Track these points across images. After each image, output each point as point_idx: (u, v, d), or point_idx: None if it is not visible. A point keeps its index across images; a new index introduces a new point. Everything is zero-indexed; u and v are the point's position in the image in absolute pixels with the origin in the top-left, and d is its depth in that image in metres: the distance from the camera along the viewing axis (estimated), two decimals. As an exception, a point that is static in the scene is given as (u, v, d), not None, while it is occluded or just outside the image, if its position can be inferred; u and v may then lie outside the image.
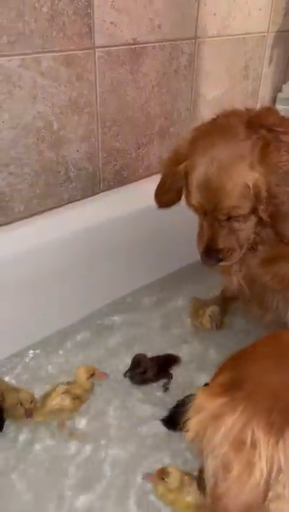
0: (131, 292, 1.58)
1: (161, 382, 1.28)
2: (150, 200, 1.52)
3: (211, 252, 1.07)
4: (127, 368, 1.29)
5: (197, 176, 1.01)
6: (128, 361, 1.31)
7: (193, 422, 0.57)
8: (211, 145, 1.00)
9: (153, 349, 1.37)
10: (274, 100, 1.93)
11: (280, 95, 1.90)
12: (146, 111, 1.51)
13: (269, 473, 0.50)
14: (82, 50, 1.27)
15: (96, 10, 1.25)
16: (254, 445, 0.51)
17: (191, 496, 0.94)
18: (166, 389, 1.27)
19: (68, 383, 1.20)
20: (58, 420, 1.14)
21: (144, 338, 1.42)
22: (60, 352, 1.37)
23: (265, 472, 0.50)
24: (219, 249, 1.06)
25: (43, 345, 1.37)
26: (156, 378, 1.28)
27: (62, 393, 1.14)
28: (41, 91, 1.23)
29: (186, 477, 0.97)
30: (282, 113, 1.83)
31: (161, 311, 1.54)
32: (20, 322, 1.32)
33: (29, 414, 1.11)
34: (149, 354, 1.34)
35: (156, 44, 1.43)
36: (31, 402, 1.13)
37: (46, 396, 1.16)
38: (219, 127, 1.02)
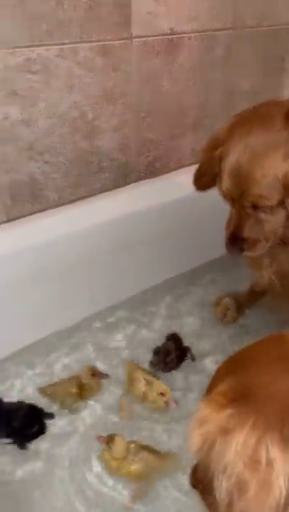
0: (160, 283, 1.58)
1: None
2: (181, 192, 1.53)
3: (236, 241, 1.07)
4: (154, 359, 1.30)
5: (229, 162, 1.01)
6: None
7: (198, 434, 0.55)
8: (246, 132, 0.99)
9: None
10: (311, 93, 1.89)
11: None
12: (180, 102, 1.50)
13: (288, 490, 0.49)
14: (119, 40, 1.27)
15: (134, 0, 1.25)
16: (270, 464, 0.49)
17: (135, 465, 0.97)
18: (193, 358, 1.30)
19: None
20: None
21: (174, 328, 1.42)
22: (87, 338, 1.39)
23: (284, 490, 0.48)
24: (243, 239, 1.06)
25: (70, 331, 1.40)
26: (179, 361, 1.29)
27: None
28: (77, 81, 1.25)
29: (132, 446, 0.99)
30: None
31: (188, 303, 1.54)
32: (49, 309, 1.35)
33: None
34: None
35: (193, 34, 1.42)
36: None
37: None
38: (257, 115, 1.02)
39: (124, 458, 0.97)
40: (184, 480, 0.96)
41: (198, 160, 1.62)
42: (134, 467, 0.97)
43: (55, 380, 1.25)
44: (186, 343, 1.34)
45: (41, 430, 1.09)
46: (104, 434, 1.03)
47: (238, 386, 0.56)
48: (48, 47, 1.17)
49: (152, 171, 1.55)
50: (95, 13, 1.19)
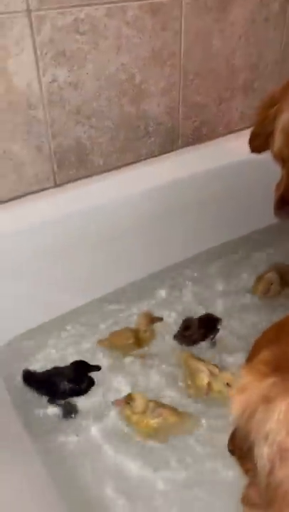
0: (206, 250, 1.57)
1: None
2: (229, 158, 1.49)
3: (284, 203, 1.04)
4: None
5: (282, 121, 0.98)
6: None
7: (240, 400, 0.54)
8: None
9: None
10: None
11: None
12: (230, 63, 1.44)
13: None
14: (169, -4, 1.22)
15: None
16: None
17: (153, 419, 1.03)
18: (213, 344, 1.28)
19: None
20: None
21: (208, 300, 1.42)
22: (135, 303, 1.41)
23: None
24: None
25: (117, 295, 1.42)
26: (204, 337, 1.28)
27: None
28: (125, 41, 1.22)
29: (151, 403, 1.05)
30: None
31: (234, 273, 1.52)
32: (97, 272, 1.38)
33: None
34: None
35: (247, -11, 1.35)
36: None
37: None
38: None
39: (143, 412, 1.03)
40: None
41: (248, 124, 1.57)
42: (153, 421, 1.04)
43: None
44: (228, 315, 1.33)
45: (91, 383, 1.14)
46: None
47: (281, 355, 0.55)
48: (97, 6, 1.14)
49: (199, 136, 1.51)
50: None
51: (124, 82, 1.27)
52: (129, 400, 1.04)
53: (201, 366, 1.14)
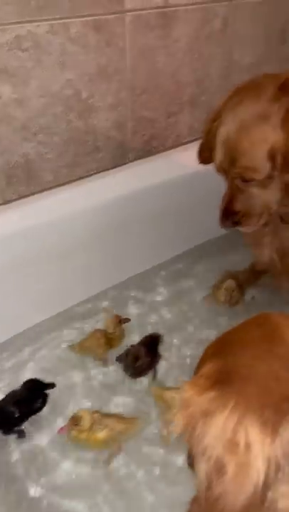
0: (158, 264, 1.58)
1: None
2: (179, 171, 1.51)
3: (228, 214, 1.07)
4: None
5: (220, 134, 1.00)
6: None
7: (182, 416, 0.54)
8: (238, 103, 0.98)
9: (164, 324, 1.39)
10: (313, 66, 1.84)
11: None
12: (177, 78, 1.47)
13: (266, 474, 0.48)
14: (112, 14, 1.24)
15: (126, -29, 1.21)
16: (248, 447, 0.49)
17: (102, 431, 1.02)
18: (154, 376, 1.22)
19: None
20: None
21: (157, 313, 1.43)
22: (86, 320, 1.40)
23: (261, 473, 0.48)
24: (235, 212, 1.06)
25: (68, 313, 1.40)
26: (150, 366, 1.22)
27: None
28: (70, 57, 1.22)
29: (96, 415, 1.04)
30: None
31: (184, 284, 1.54)
32: (46, 291, 1.35)
33: None
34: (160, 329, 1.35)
35: (189, 7, 1.38)
36: None
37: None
38: (251, 86, 1.00)
39: (90, 428, 1.02)
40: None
41: (197, 137, 1.60)
42: (101, 434, 1.03)
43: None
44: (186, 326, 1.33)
45: (44, 401, 1.12)
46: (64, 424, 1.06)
47: (222, 368, 0.55)
48: (38, 23, 1.14)
49: (149, 149, 1.53)
50: (85, -14, 1.16)
51: (71, 98, 1.27)
52: (75, 421, 1.02)
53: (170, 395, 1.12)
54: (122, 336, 1.30)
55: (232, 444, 0.49)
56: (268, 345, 0.55)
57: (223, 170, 1.04)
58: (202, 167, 1.45)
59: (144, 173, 1.47)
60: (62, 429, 1.05)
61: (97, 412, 1.07)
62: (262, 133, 0.93)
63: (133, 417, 1.10)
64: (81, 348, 1.28)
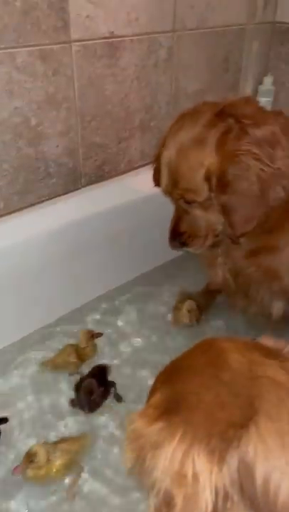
0: (115, 288, 1.58)
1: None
2: (132, 195, 1.53)
3: (175, 235, 1.10)
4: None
5: (163, 157, 1.04)
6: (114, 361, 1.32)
7: (131, 450, 0.54)
8: (178, 128, 1.02)
9: (135, 349, 1.38)
10: (255, 92, 1.93)
11: (261, 87, 1.90)
12: (126, 105, 1.50)
13: (215, 504, 0.48)
14: (58, 44, 1.26)
15: (71, 3, 1.24)
16: (196, 477, 0.48)
17: (58, 459, 1.00)
18: (118, 398, 1.21)
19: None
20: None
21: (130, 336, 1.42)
22: (41, 348, 1.37)
23: (210, 503, 0.48)
24: (182, 233, 1.09)
25: (23, 343, 1.37)
26: (104, 396, 1.19)
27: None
28: (17, 86, 1.22)
29: (49, 445, 1.02)
30: (262, 104, 1.84)
31: (145, 305, 1.54)
32: (4, 318, 1.31)
33: None
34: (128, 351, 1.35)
35: (134, 37, 1.43)
36: None
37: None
38: (191, 113, 1.04)
39: (48, 461, 0.99)
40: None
41: (149, 161, 1.64)
42: (58, 462, 1.00)
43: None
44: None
45: None
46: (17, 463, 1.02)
47: (170, 397, 0.55)
48: (-17, 52, 1.14)
49: (102, 174, 1.54)
50: (30, 17, 1.17)
51: (20, 125, 1.27)
52: (30, 458, 0.98)
53: None
54: (94, 350, 1.32)
55: (180, 476, 0.48)
56: (213, 372, 0.55)
57: (168, 192, 1.07)
58: (154, 191, 1.48)
59: (96, 197, 1.48)
60: (16, 469, 0.99)
61: (46, 443, 1.04)
62: (198, 156, 0.97)
63: (82, 434, 1.10)
64: (53, 364, 1.28)
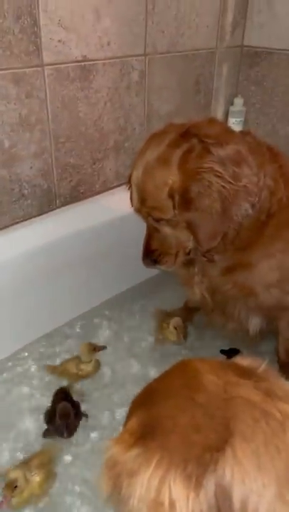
0: (91, 309, 1.56)
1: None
2: (108, 215, 1.53)
3: (147, 253, 1.13)
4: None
5: (133, 177, 1.07)
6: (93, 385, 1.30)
7: (107, 478, 0.52)
8: (145, 149, 1.05)
9: (120, 368, 1.36)
10: (227, 113, 1.98)
11: (232, 108, 1.95)
12: (99, 126, 1.52)
13: None
14: (31, 67, 1.27)
15: (43, 28, 1.25)
16: (173, 504, 0.47)
17: (36, 476, 1.00)
18: (85, 415, 1.20)
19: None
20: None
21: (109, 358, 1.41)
22: (19, 370, 1.34)
23: None
24: (153, 251, 1.12)
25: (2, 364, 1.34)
26: (78, 417, 1.18)
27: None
28: (-10, 109, 1.22)
29: (22, 466, 1.01)
30: (231, 125, 1.89)
31: (123, 325, 1.53)
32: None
33: None
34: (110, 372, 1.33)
35: (107, 61, 1.45)
36: None
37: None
38: (158, 134, 1.06)
39: (27, 481, 0.98)
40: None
41: (123, 181, 1.65)
42: (38, 479, 1.00)
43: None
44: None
45: None
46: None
47: (146, 421, 0.54)
48: None
49: (77, 195, 1.54)
50: (2, 41, 1.18)
51: (-7, 148, 1.27)
52: (11, 485, 0.95)
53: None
54: (97, 366, 1.31)
55: (157, 504, 0.48)
56: (188, 394, 0.54)
57: (138, 211, 1.09)
58: (130, 210, 1.49)
59: (71, 218, 1.48)
60: (1, 503, 0.96)
61: (20, 465, 1.02)
62: (163, 175, 1.00)
63: (46, 445, 1.11)
64: (60, 370, 1.30)
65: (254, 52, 1.90)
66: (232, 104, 1.96)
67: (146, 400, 0.59)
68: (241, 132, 1.12)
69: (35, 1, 1.20)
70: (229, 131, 1.07)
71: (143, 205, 1.05)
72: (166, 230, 1.08)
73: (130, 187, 1.20)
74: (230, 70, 1.92)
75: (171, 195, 0.99)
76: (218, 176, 0.94)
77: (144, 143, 1.08)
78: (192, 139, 0.98)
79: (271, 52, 1.85)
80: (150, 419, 0.54)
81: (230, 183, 0.95)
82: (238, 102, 1.94)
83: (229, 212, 0.97)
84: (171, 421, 0.52)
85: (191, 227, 1.02)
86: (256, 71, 1.92)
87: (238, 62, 1.94)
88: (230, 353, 1.36)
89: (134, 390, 0.63)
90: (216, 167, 0.94)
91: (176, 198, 0.99)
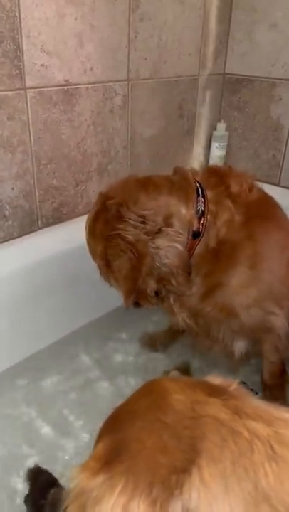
0: (71, 332, 1.54)
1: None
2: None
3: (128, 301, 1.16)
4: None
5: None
6: (65, 413, 1.25)
7: (74, 508, 0.49)
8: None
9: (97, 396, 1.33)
10: (210, 138, 2.02)
11: (215, 133, 1.99)
12: (82, 149, 1.53)
13: None
14: (13, 90, 1.28)
15: (26, 53, 1.28)
16: None
17: None
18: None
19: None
20: None
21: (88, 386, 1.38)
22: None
23: None
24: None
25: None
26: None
27: None
28: (-29, 130, 1.23)
29: None
30: (215, 149, 1.92)
31: (104, 349, 1.51)
32: None
33: None
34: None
35: (90, 85, 1.48)
36: None
37: None
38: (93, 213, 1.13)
39: None
40: None
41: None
42: None
43: None
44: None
45: None
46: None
47: (112, 445, 0.52)
48: None
49: (59, 216, 1.54)
50: (-15, 65, 1.20)
51: (-27, 169, 1.27)
52: None
53: None
54: None
55: None
56: (156, 415, 0.52)
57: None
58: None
59: (53, 239, 1.47)
60: None
61: None
62: (93, 245, 1.13)
63: None
64: None
65: (236, 79, 1.95)
66: (215, 129, 2.00)
67: (113, 424, 0.56)
68: (174, 171, 1.15)
69: (17, 27, 1.23)
70: (147, 182, 1.08)
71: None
72: None
73: None
74: (213, 95, 1.97)
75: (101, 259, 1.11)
76: (123, 238, 1.02)
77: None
78: (111, 207, 1.05)
79: (252, 79, 1.90)
80: (116, 443, 0.52)
81: (138, 241, 1.02)
82: (221, 126, 1.98)
83: (140, 265, 1.04)
84: (138, 444, 0.50)
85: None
86: (238, 97, 1.97)
87: (220, 88, 1.99)
88: None
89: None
90: (126, 228, 1.02)
91: (103, 261, 1.10)
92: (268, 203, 1.18)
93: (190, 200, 1.06)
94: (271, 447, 0.47)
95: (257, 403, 0.54)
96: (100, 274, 1.17)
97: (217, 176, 1.12)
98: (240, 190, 1.10)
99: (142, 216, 1.03)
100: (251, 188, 1.12)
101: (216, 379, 0.60)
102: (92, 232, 1.12)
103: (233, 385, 0.58)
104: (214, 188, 1.09)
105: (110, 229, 1.04)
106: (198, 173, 1.15)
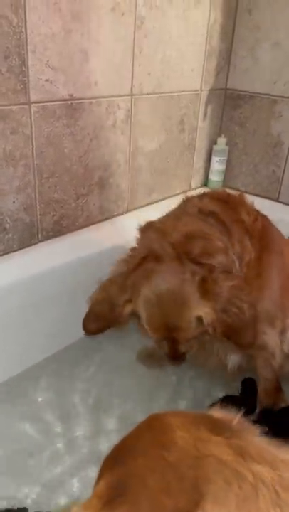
0: (71, 344, 1.54)
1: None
2: (90, 250, 1.53)
3: (177, 358, 1.17)
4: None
5: (149, 320, 1.06)
6: (56, 429, 1.25)
7: None
8: (154, 286, 1.04)
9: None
10: (210, 152, 2.03)
11: (215, 147, 2.00)
12: (84, 163, 1.53)
13: None
14: (17, 105, 1.28)
15: (31, 68, 1.28)
16: None
17: None
18: None
19: None
20: None
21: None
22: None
23: None
24: (182, 354, 1.17)
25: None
26: None
27: None
28: (-26, 144, 1.23)
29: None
30: (215, 163, 1.92)
31: (105, 363, 1.51)
32: None
33: None
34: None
35: (93, 100, 1.48)
36: None
37: None
38: (154, 258, 1.06)
39: None
40: None
41: (108, 216, 1.67)
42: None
43: None
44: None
45: None
46: None
47: (114, 483, 0.52)
48: None
49: (59, 229, 1.54)
50: (-10, 79, 1.20)
51: (-25, 182, 1.27)
52: None
53: None
54: None
55: None
56: (158, 452, 0.52)
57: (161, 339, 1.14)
58: (112, 245, 1.50)
59: (54, 252, 1.47)
60: None
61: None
62: (191, 310, 1.04)
63: None
64: None
65: (237, 95, 1.97)
66: (215, 143, 2.01)
67: (114, 460, 0.56)
68: (200, 213, 1.13)
69: (23, 43, 1.23)
70: (208, 241, 1.06)
71: (177, 338, 1.08)
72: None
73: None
74: (214, 110, 1.98)
75: (208, 324, 1.03)
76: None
77: (134, 274, 1.09)
78: (189, 263, 1.01)
79: (253, 96, 1.92)
80: (119, 481, 0.51)
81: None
82: (222, 141, 2.00)
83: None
84: (141, 482, 0.50)
85: (229, 335, 1.08)
86: (239, 113, 1.99)
87: (221, 103, 2.00)
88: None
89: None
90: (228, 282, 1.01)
91: (214, 323, 1.03)
92: (269, 229, 1.23)
93: (229, 243, 1.10)
94: (276, 492, 0.47)
95: (260, 443, 0.54)
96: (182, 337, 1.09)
97: (231, 209, 1.16)
98: (249, 220, 1.15)
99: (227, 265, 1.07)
100: (256, 217, 1.18)
101: (218, 412, 0.61)
102: (183, 295, 1.02)
103: (235, 419, 0.59)
104: (234, 224, 1.12)
105: (216, 287, 1.02)
106: (209, 202, 1.17)
